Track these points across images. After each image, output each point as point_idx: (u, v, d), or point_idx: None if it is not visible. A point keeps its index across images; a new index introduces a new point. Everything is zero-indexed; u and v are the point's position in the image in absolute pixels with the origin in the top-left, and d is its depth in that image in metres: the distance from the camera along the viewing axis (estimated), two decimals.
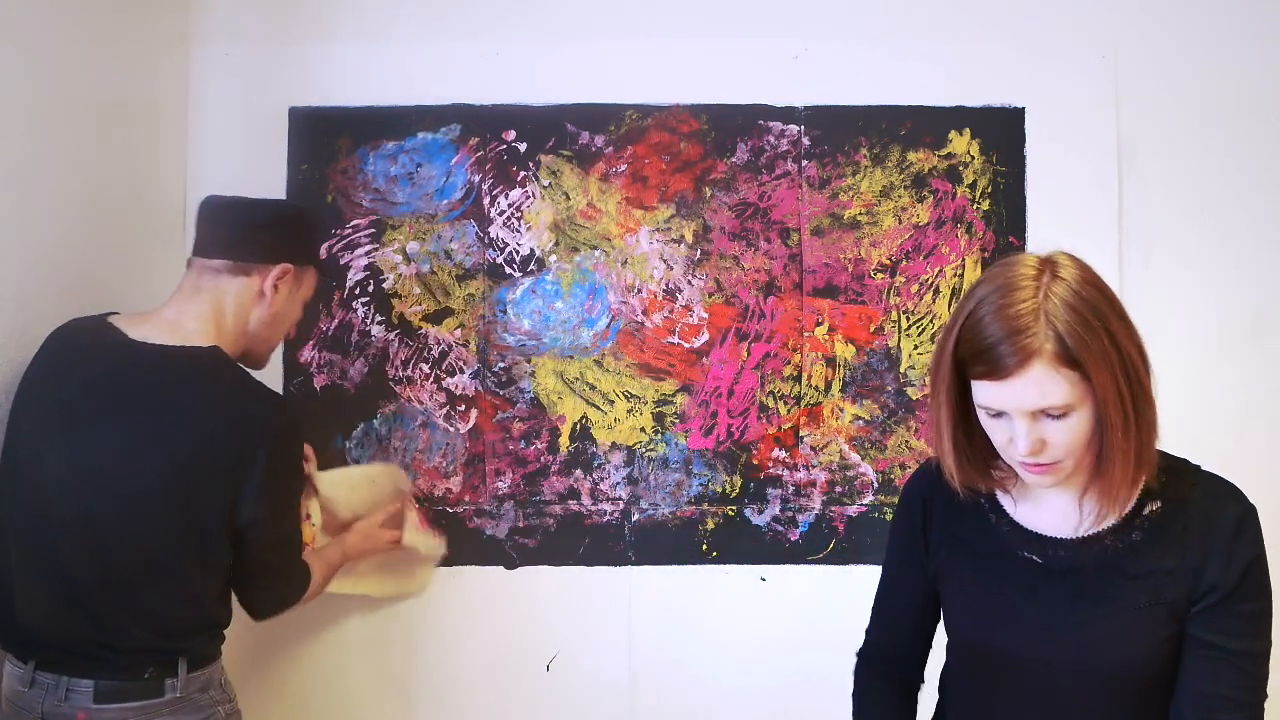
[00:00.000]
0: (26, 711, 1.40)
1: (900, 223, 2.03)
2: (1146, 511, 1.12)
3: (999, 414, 1.08)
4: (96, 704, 1.38)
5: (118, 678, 1.39)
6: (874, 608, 1.35)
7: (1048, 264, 1.08)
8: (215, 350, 1.47)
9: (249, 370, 1.54)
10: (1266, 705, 1.10)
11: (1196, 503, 1.11)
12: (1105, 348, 1.04)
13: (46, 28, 1.58)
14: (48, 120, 1.58)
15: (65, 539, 1.39)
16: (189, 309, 1.49)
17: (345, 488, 1.85)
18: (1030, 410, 1.05)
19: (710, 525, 2.02)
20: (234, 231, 1.53)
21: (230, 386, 1.46)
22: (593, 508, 2.02)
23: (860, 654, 1.36)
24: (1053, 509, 1.16)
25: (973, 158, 2.03)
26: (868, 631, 1.36)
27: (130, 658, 1.40)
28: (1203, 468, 1.15)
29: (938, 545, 1.24)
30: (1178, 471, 1.14)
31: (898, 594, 1.32)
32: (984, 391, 1.08)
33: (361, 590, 1.92)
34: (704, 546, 2.02)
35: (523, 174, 2.02)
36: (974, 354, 1.07)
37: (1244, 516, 1.10)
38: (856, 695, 1.34)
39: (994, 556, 1.17)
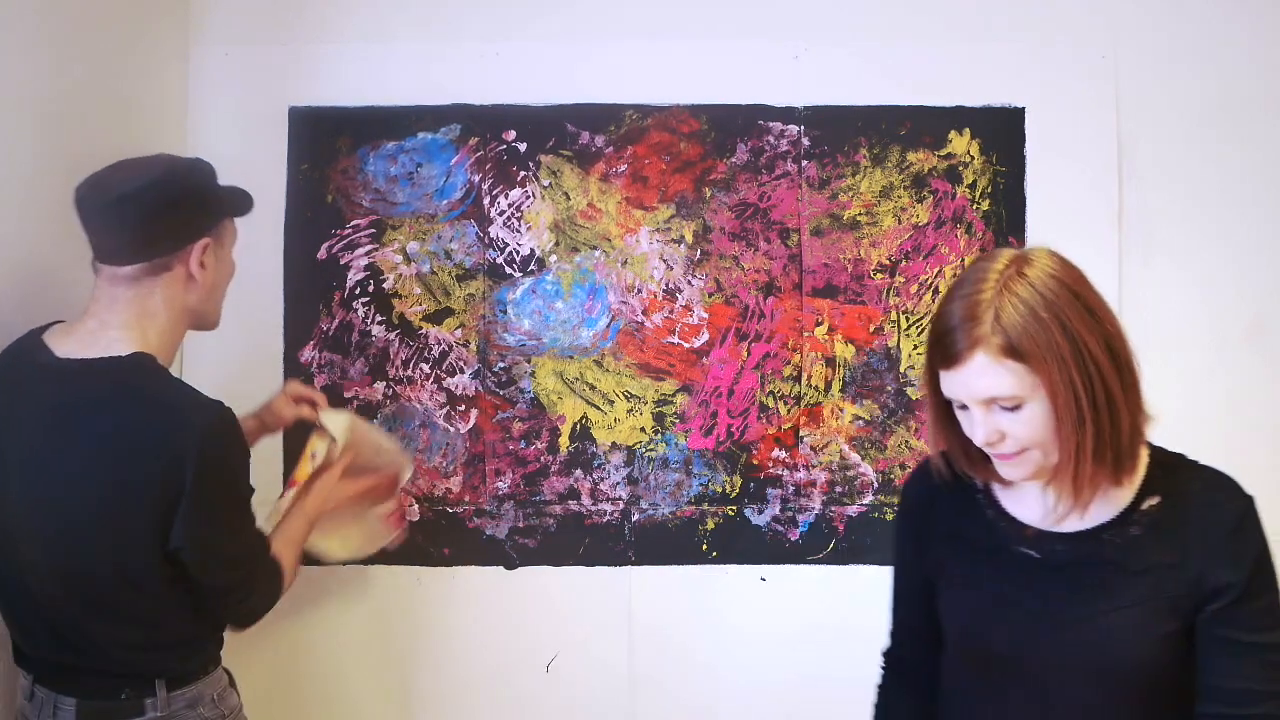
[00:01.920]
0: None
1: (900, 223, 2.03)
2: (1145, 507, 1.12)
3: (962, 405, 1.11)
4: None
5: (97, 697, 1.37)
6: (891, 610, 1.35)
7: (1019, 259, 1.09)
8: (136, 358, 1.36)
9: (174, 380, 1.43)
10: None
11: (1195, 498, 1.11)
12: (1055, 342, 1.04)
13: (46, 27, 1.58)
14: (47, 120, 1.58)
15: (28, 564, 1.37)
16: (111, 318, 1.38)
17: (363, 433, 1.76)
18: (980, 400, 1.08)
19: (710, 525, 2.02)
20: (138, 230, 1.37)
21: (151, 401, 1.34)
22: (593, 508, 2.02)
23: (884, 655, 1.36)
24: (1035, 503, 1.17)
25: (972, 158, 2.03)
26: (890, 634, 1.36)
27: (106, 679, 1.38)
28: (1200, 463, 1.16)
29: (937, 541, 1.24)
30: (1175, 467, 1.14)
31: (903, 596, 1.32)
32: (944, 381, 1.11)
33: (324, 548, 1.76)
34: (704, 546, 2.02)
35: (523, 174, 2.02)
36: (933, 341, 1.11)
37: (1244, 512, 1.10)
38: (878, 704, 1.35)
39: (991, 551, 1.18)
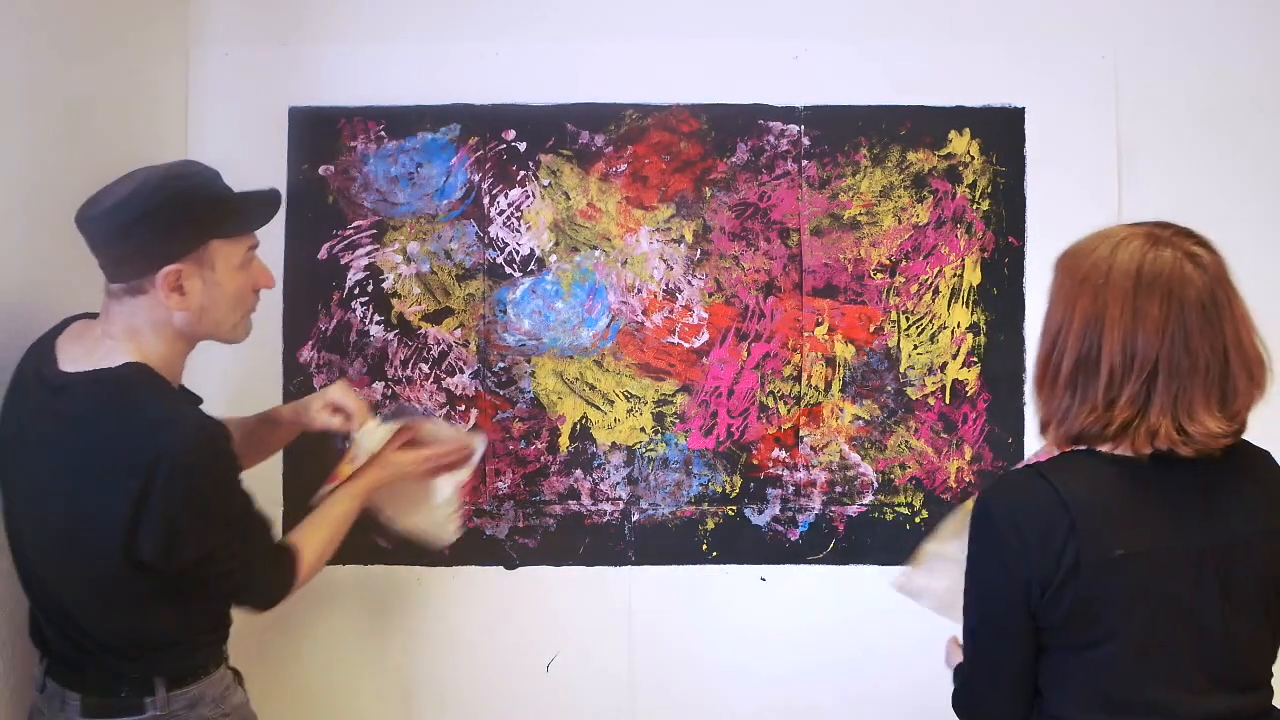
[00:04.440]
0: (40, 714, 1.43)
1: (900, 223, 2.03)
2: None
3: None
4: (84, 718, 1.38)
5: (98, 694, 1.38)
6: None
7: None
8: (125, 369, 1.34)
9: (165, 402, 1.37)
10: None
11: None
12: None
13: (46, 28, 1.58)
14: (47, 120, 1.58)
15: (33, 564, 1.40)
16: (109, 329, 1.38)
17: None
18: None
19: (710, 525, 2.02)
20: (108, 249, 1.34)
21: (130, 414, 1.31)
22: (593, 508, 2.02)
23: None
24: None
25: (973, 158, 2.03)
26: None
27: (106, 676, 1.38)
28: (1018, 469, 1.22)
29: None
30: None
31: None
32: None
33: (391, 512, 1.71)
34: (704, 546, 2.02)
35: (522, 174, 2.02)
36: None
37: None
38: None
39: None
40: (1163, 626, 1.12)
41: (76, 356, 1.37)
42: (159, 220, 1.33)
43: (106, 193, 1.36)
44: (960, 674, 1.25)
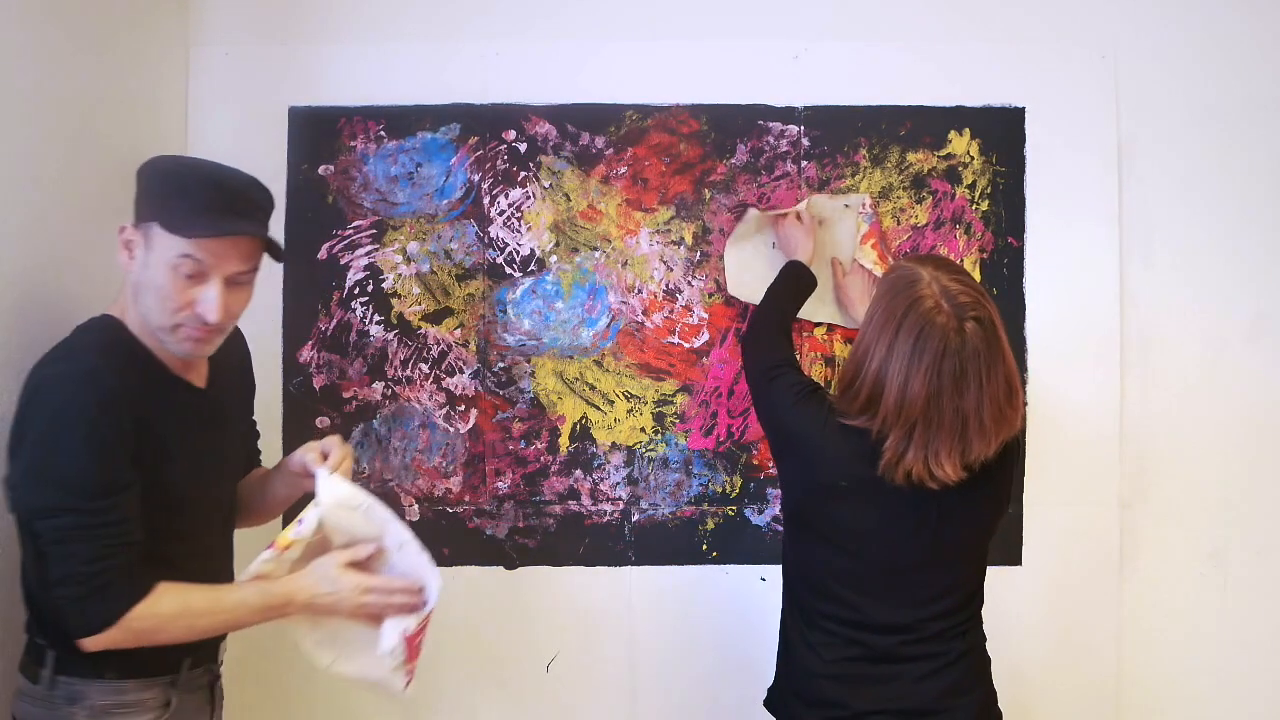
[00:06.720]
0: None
1: (899, 223, 2.03)
2: None
3: None
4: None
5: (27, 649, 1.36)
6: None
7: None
8: (91, 320, 1.37)
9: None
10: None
11: None
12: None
13: (46, 27, 1.58)
14: (47, 120, 1.58)
15: None
16: None
17: (349, 511, 1.41)
18: None
19: (710, 525, 2.02)
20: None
21: (47, 356, 1.31)
22: (593, 508, 2.02)
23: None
24: None
25: (972, 158, 2.03)
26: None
27: (29, 631, 1.36)
28: None
29: None
30: None
31: None
32: None
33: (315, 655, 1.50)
34: (704, 546, 2.02)
35: (523, 174, 2.02)
36: None
37: None
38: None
39: None
40: (872, 547, 1.45)
41: None
42: (145, 178, 1.36)
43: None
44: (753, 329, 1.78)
